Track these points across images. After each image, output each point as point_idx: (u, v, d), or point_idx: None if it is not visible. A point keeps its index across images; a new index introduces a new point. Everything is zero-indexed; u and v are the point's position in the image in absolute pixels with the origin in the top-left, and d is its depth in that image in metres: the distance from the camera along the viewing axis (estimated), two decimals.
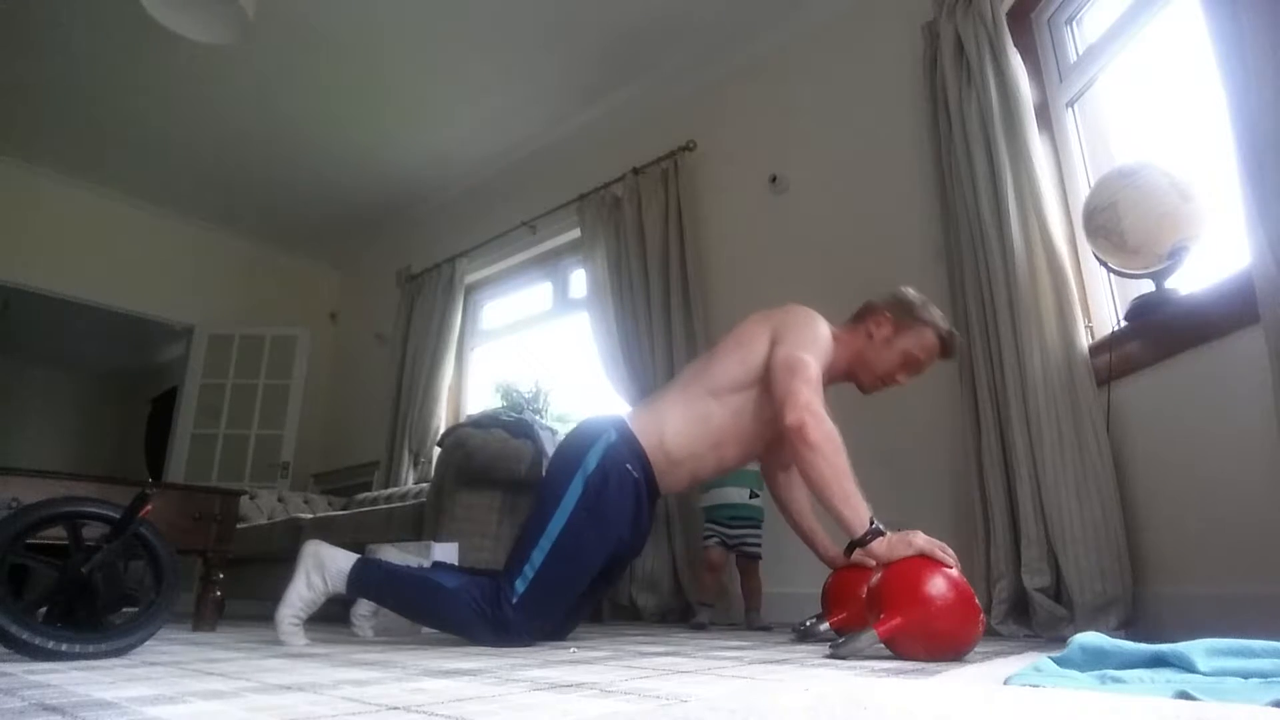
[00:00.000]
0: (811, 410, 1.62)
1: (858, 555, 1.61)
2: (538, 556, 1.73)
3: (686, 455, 1.85)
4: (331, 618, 2.51)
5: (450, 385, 4.56)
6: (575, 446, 1.84)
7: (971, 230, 2.42)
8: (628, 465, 1.79)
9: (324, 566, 1.83)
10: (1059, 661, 1.04)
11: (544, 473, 1.99)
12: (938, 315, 1.91)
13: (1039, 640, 1.93)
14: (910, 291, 1.95)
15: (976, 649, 1.45)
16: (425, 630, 2.19)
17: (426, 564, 2.03)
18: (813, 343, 1.79)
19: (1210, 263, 1.91)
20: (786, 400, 1.65)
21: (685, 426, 1.84)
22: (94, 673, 1.18)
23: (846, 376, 1.95)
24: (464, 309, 4.69)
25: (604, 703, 0.87)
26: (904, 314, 1.90)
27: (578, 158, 4.19)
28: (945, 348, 1.92)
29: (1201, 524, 1.76)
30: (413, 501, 3.09)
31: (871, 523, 1.50)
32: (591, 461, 1.78)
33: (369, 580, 1.85)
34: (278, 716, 0.77)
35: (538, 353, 4.55)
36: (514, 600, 1.71)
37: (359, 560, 1.86)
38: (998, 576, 2.13)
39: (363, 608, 2.08)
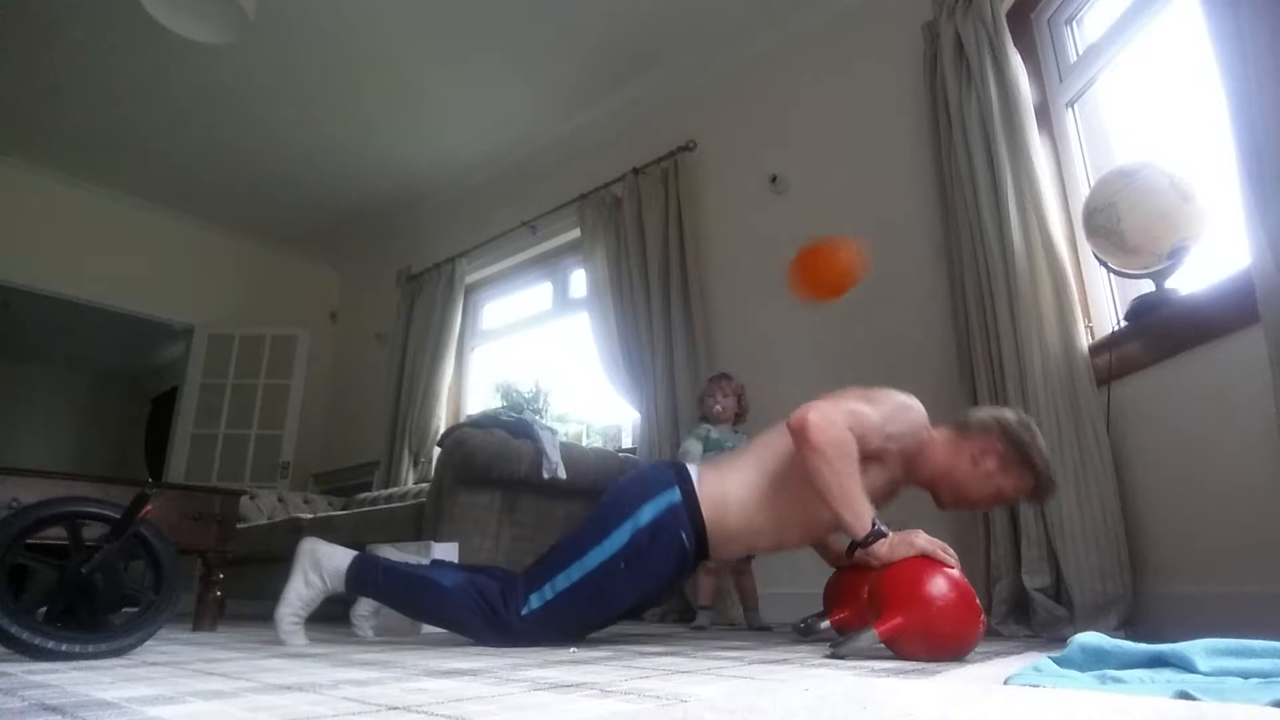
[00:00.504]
0: (821, 411, 1.56)
1: (860, 556, 1.61)
2: (562, 582, 1.69)
3: (746, 532, 1.74)
4: (331, 618, 2.51)
5: (450, 385, 4.56)
6: (635, 492, 1.75)
7: (971, 230, 2.42)
8: (682, 532, 1.68)
9: (321, 565, 1.82)
10: (1059, 661, 1.04)
11: (601, 499, 1.83)
12: (1043, 457, 1.69)
13: (1039, 640, 1.93)
14: (1022, 426, 1.71)
15: (976, 649, 1.45)
16: (426, 630, 2.18)
17: (425, 563, 2.02)
18: (885, 406, 1.67)
19: (1210, 263, 1.91)
20: (800, 409, 1.59)
21: (750, 500, 1.72)
22: (94, 673, 1.17)
23: (928, 484, 1.77)
24: (464, 309, 4.69)
25: (604, 703, 0.87)
26: (1016, 454, 1.68)
27: (578, 158, 4.19)
28: (1040, 493, 1.73)
29: (1201, 524, 1.76)
30: (413, 501, 3.09)
31: (874, 524, 1.50)
32: (646, 515, 1.69)
33: (366, 577, 1.84)
34: (278, 716, 0.77)
35: (542, 358, 4.53)
36: (523, 611, 1.69)
37: (356, 557, 1.85)
38: (998, 576, 2.13)
39: (363, 607, 2.08)
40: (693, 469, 1.78)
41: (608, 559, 1.67)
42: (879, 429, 1.63)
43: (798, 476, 1.64)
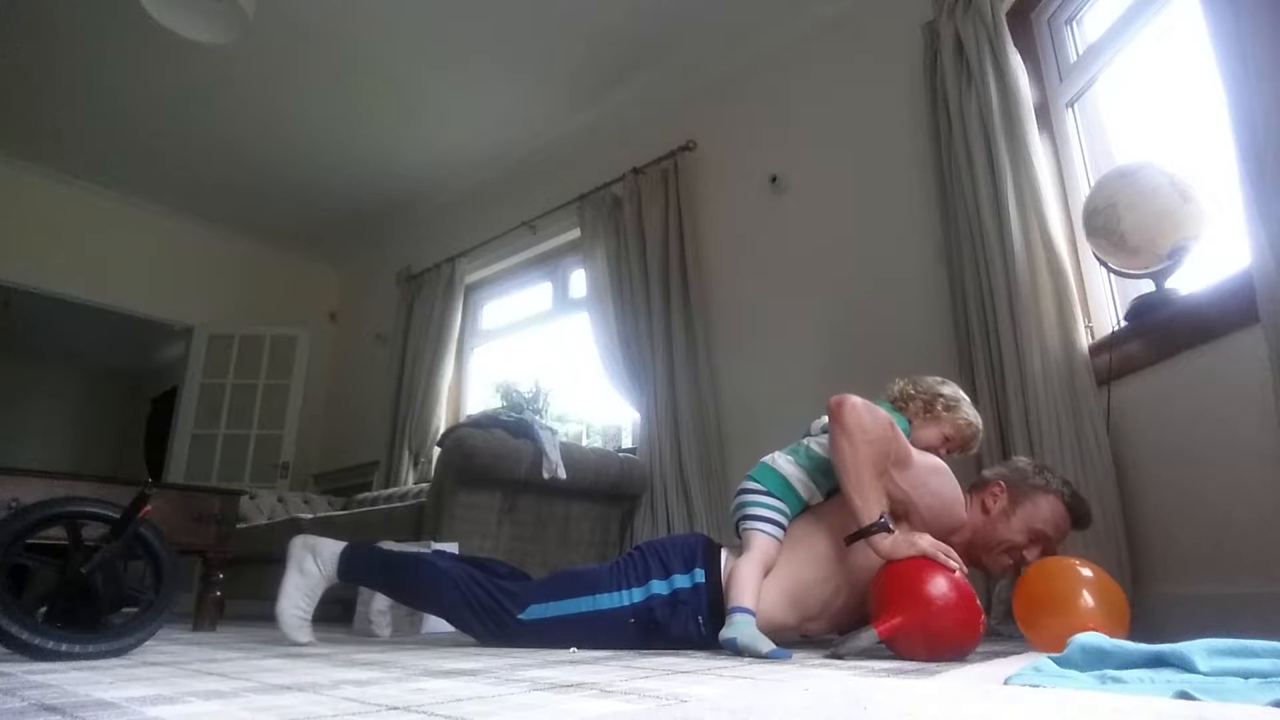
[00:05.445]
0: (864, 401, 1.57)
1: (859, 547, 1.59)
2: (568, 608, 1.68)
3: (770, 630, 1.60)
4: (332, 618, 2.51)
5: (450, 385, 4.56)
6: (664, 558, 1.70)
7: (971, 230, 2.42)
8: (699, 618, 1.62)
9: (318, 551, 1.79)
10: (1059, 661, 1.04)
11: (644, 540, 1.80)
12: (1056, 480, 1.70)
13: None
14: (1022, 459, 1.79)
15: (977, 649, 1.45)
16: (426, 630, 2.19)
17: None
18: (929, 459, 1.67)
19: (1210, 263, 1.91)
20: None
21: (774, 606, 1.61)
22: (94, 673, 1.17)
23: (968, 560, 1.65)
24: (464, 309, 4.69)
25: (604, 703, 0.87)
26: (1017, 481, 1.70)
27: (578, 158, 4.19)
28: (1074, 516, 1.68)
29: (1201, 524, 1.76)
30: (413, 501, 3.09)
31: (881, 516, 1.49)
32: (667, 586, 1.65)
33: (360, 562, 1.82)
34: (278, 716, 0.77)
35: (542, 358, 4.51)
36: (520, 614, 1.69)
37: (350, 544, 1.84)
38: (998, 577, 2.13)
39: (379, 603, 2.07)
40: (725, 552, 1.71)
41: (616, 609, 1.66)
42: (909, 456, 1.63)
43: (837, 575, 1.63)
